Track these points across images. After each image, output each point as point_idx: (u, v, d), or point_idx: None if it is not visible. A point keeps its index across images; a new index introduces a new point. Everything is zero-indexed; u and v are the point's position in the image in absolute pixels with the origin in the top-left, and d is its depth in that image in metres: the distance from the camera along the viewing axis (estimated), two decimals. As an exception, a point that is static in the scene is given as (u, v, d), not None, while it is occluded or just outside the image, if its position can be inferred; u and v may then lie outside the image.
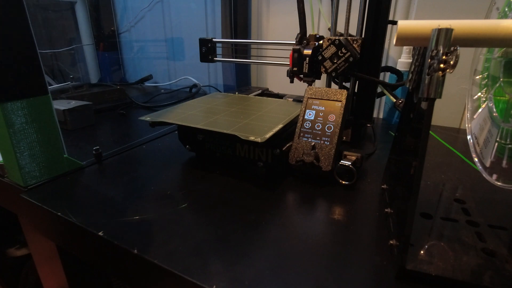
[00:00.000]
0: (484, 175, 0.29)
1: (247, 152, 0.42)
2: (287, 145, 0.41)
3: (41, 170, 0.39)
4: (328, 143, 0.39)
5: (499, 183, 0.27)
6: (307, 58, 0.50)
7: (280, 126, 0.39)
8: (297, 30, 0.52)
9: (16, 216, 0.47)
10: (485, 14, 0.32)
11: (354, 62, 0.46)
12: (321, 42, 0.49)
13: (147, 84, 1.06)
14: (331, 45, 0.47)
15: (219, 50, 0.69)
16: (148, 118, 0.42)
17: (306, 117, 0.42)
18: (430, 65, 0.22)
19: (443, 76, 0.21)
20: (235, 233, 0.30)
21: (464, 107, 0.65)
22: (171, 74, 1.06)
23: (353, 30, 0.48)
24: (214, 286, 0.24)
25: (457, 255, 0.26)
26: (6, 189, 0.41)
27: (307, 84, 0.52)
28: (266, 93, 0.70)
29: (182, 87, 0.97)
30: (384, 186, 0.38)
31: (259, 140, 0.35)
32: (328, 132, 0.40)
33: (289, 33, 0.77)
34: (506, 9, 0.29)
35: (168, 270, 0.26)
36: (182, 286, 0.26)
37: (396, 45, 0.26)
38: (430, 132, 0.60)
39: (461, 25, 0.23)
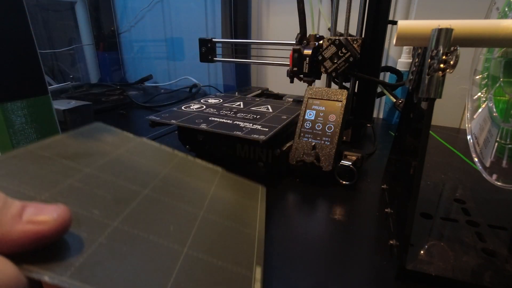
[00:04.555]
0: (484, 175, 0.29)
1: (247, 152, 0.42)
2: (287, 145, 0.41)
3: (41, 170, 0.39)
4: (329, 143, 0.39)
5: (499, 183, 0.27)
6: (307, 58, 0.50)
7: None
8: (297, 30, 0.52)
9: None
10: (485, 14, 0.32)
11: (354, 62, 0.46)
12: (321, 42, 0.49)
13: (147, 84, 1.07)
14: (331, 45, 0.47)
15: (219, 50, 0.69)
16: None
17: (306, 117, 0.42)
18: (430, 65, 0.22)
19: (443, 76, 0.21)
20: (235, 233, 0.30)
21: (464, 107, 0.65)
22: (171, 74, 1.06)
23: (353, 30, 0.48)
24: None
25: (457, 255, 0.26)
26: (6, 189, 0.41)
27: (307, 84, 0.53)
28: (266, 93, 0.70)
29: (182, 87, 0.97)
30: (384, 186, 0.38)
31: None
32: (328, 132, 0.40)
33: (289, 33, 0.77)
34: (506, 9, 0.29)
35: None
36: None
37: (396, 45, 0.26)
38: (430, 132, 0.60)
39: (461, 25, 0.23)
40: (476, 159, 0.31)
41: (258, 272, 0.20)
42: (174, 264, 0.18)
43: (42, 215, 0.14)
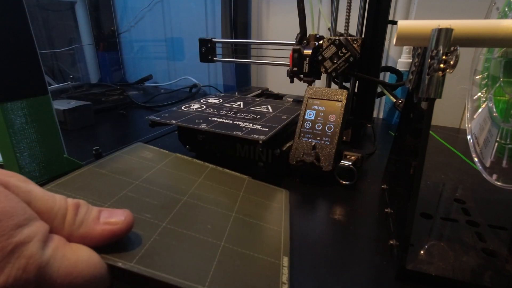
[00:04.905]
0: (484, 175, 0.29)
1: (247, 152, 0.42)
2: (287, 145, 0.41)
3: (41, 170, 0.39)
4: (329, 143, 0.39)
5: (499, 183, 0.27)
6: (307, 58, 0.50)
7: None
8: (297, 30, 0.52)
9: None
10: (485, 14, 0.32)
11: (354, 62, 0.46)
12: (321, 42, 0.49)
13: (147, 84, 1.07)
14: (331, 45, 0.47)
15: (219, 50, 0.69)
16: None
17: (306, 117, 0.42)
18: (430, 65, 0.22)
19: (443, 76, 0.21)
20: (235, 233, 0.30)
21: (464, 107, 0.65)
22: (171, 74, 1.06)
23: (353, 30, 0.48)
24: (214, 286, 0.24)
25: (457, 255, 0.26)
26: (6, 189, 0.41)
27: (307, 84, 0.53)
28: (266, 93, 0.70)
29: (182, 87, 0.97)
30: (384, 186, 0.38)
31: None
32: (328, 132, 0.40)
33: (289, 33, 0.77)
34: (506, 9, 0.29)
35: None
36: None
37: (396, 45, 0.26)
38: (430, 132, 0.60)
39: (461, 25, 0.23)
40: (476, 159, 0.31)
41: (285, 261, 0.24)
42: (214, 254, 0.22)
43: (114, 218, 0.18)
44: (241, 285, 0.20)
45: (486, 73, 0.32)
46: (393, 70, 0.58)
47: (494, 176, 0.28)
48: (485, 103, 0.31)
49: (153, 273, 0.18)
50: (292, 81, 0.54)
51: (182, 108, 0.48)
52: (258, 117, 0.44)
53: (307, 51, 0.50)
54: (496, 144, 0.28)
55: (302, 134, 0.41)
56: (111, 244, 0.18)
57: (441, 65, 0.21)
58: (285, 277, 0.22)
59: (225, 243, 0.24)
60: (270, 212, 0.31)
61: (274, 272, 0.23)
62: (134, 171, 0.30)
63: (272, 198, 0.34)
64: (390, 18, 0.50)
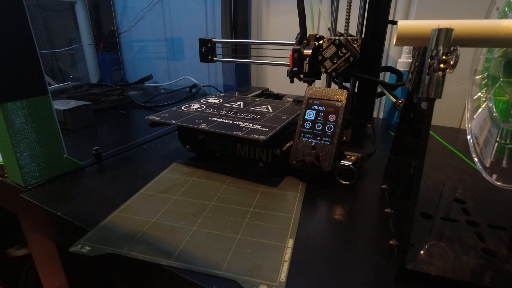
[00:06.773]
0: (484, 175, 0.29)
1: (247, 152, 0.42)
2: (287, 145, 0.41)
3: (41, 170, 0.39)
4: (329, 143, 0.39)
5: (499, 183, 0.27)
6: (307, 58, 0.50)
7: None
8: (297, 30, 0.52)
9: (16, 216, 0.47)
10: (485, 14, 0.32)
11: (354, 62, 0.46)
12: (321, 42, 0.49)
13: (147, 84, 1.06)
14: (331, 45, 0.47)
15: (219, 50, 0.69)
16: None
17: (306, 117, 0.42)
18: (430, 65, 0.22)
19: (443, 76, 0.21)
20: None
21: (464, 107, 0.65)
22: (171, 74, 1.06)
23: (353, 30, 0.48)
24: (214, 286, 0.24)
25: (457, 255, 0.26)
26: (6, 189, 0.41)
27: (307, 84, 0.53)
28: (266, 93, 0.70)
29: (182, 87, 0.97)
30: (384, 186, 0.38)
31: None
32: (328, 132, 0.40)
33: (289, 33, 0.77)
34: (506, 9, 0.29)
35: (168, 270, 0.26)
36: (182, 286, 0.26)
37: (396, 45, 0.26)
38: (430, 132, 0.60)
39: (461, 25, 0.23)
40: (476, 159, 0.31)
41: (290, 242, 0.29)
42: (231, 245, 0.28)
43: None
44: (250, 267, 0.26)
45: (486, 73, 0.32)
46: (393, 70, 0.58)
47: (494, 176, 0.28)
48: (485, 103, 0.31)
49: (185, 266, 0.26)
50: (292, 81, 0.54)
51: (182, 108, 0.48)
52: (258, 117, 0.44)
53: (307, 51, 0.49)
54: (496, 144, 0.28)
55: (302, 134, 0.41)
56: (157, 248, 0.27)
57: (441, 65, 0.21)
58: (287, 256, 0.27)
59: (241, 235, 0.30)
60: (285, 201, 0.36)
61: (279, 253, 0.27)
62: (173, 187, 0.38)
63: (289, 188, 0.39)
64: (390, 18, 0.50)
